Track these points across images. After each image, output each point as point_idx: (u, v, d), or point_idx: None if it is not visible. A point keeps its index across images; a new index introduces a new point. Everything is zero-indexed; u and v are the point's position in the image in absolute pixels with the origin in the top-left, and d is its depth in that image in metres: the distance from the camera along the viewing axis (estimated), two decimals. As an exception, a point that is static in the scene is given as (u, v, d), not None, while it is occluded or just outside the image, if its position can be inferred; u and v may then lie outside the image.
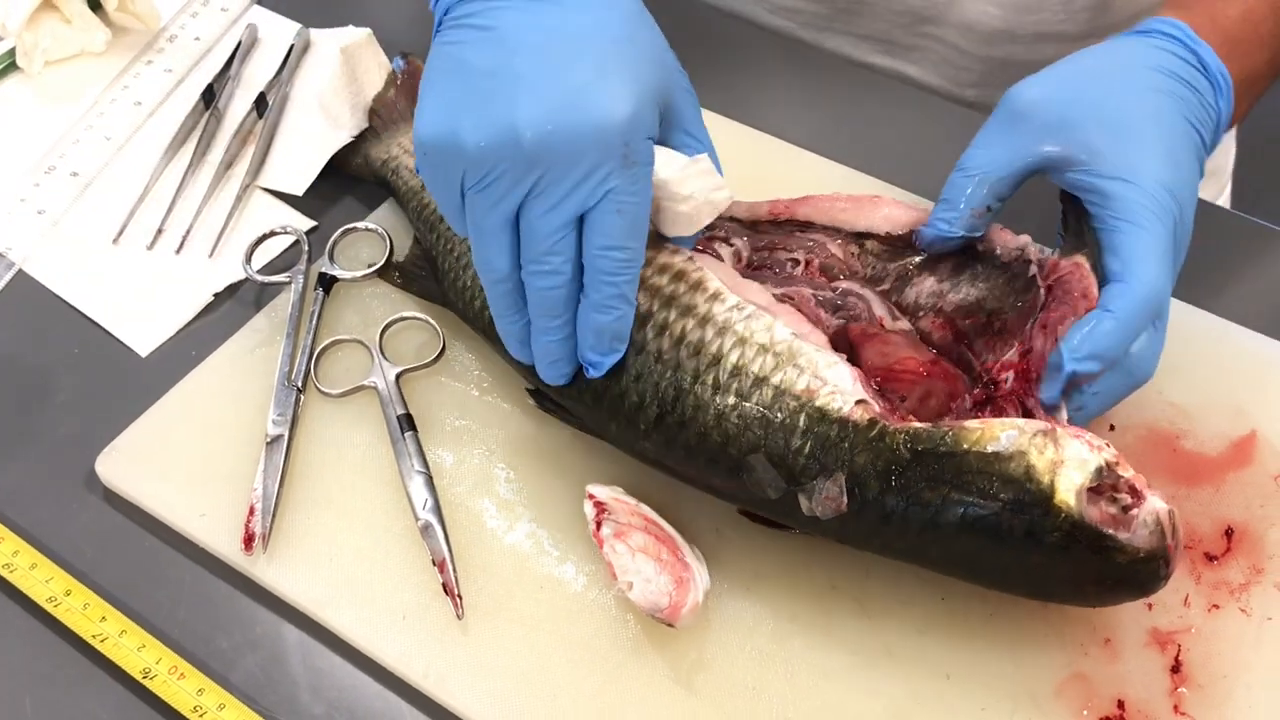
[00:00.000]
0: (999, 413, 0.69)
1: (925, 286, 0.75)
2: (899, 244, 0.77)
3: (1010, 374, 0.70)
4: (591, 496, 0.72)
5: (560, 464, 0.77)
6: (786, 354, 0.68)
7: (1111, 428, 0.75)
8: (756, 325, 0.69)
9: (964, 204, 0.73)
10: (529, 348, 0.71)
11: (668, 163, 0.68)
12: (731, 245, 0.78)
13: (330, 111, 0.95)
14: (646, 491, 0.73)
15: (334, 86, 0.96)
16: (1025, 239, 0.73)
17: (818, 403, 0.66)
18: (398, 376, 0.80)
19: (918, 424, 0.65)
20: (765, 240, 0.79)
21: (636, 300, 0.70)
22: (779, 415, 0.66)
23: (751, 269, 0.78)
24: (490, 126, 0.64)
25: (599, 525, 0.70)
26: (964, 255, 0.75)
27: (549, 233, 0.65)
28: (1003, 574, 0.66)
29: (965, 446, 0.64)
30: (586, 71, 0.64)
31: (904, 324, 0.74)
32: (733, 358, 0.68)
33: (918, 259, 0.76)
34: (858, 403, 0.66)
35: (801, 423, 0.66)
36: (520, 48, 0.65)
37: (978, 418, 0.66)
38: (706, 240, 0.78)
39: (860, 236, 0.78)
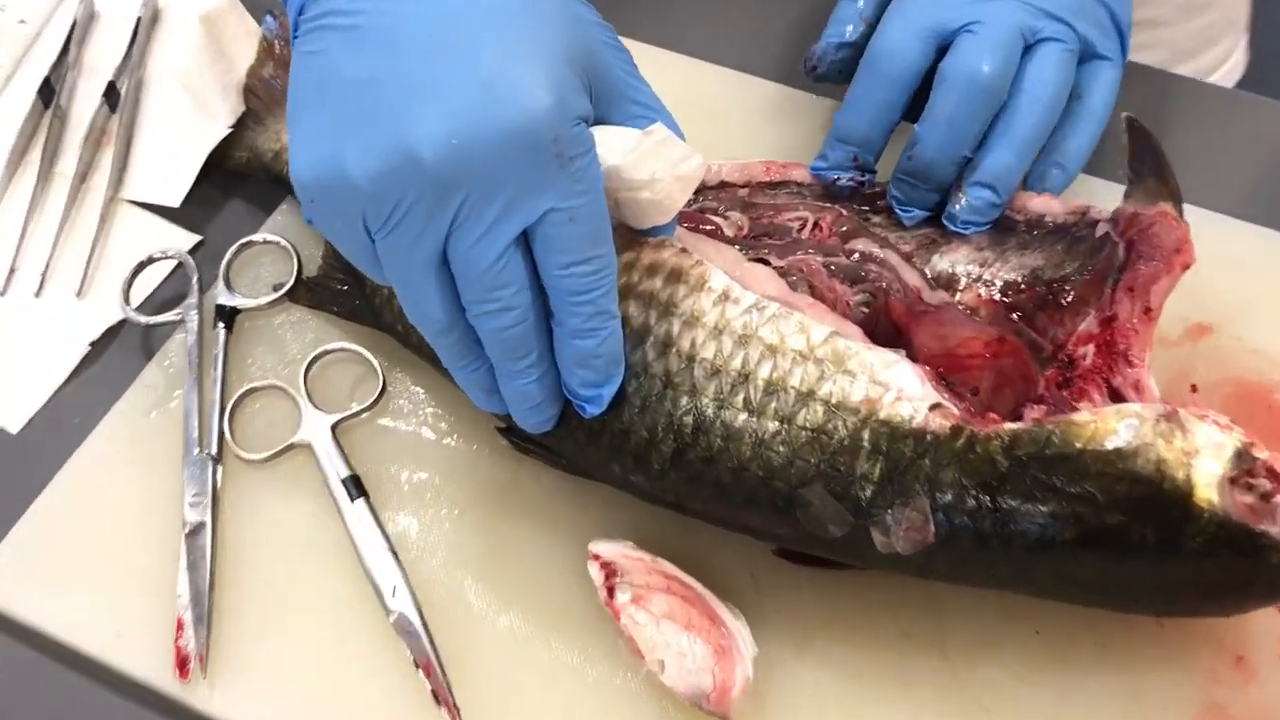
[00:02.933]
0: (1080, 395, 0.58)
1: (960, 254, 0.63)
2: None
3: (1090, 348, 0.58)
4: (596, 557, 0.59)
5: (549, 516, 0.63)
6: (832, 358, 0.55)
7: (1194, 388, 0.64)
8: (786, 327, 0.56)
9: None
10: (499, 396, 0.57)
11: (614, 144, 0.54)
12: (728, 218, 0.65)
13: (198, 97, 0.79)
14: (660, 540, 0.60)
15: (197, 65, 0.80)
16: (1085, 203, 0.62)
17: (882, 415, 0.54)
18: (333, 427, 0.66)
19: (1012, 425, 0.53)
20: (764, 210, 0.66)
21: (627, 313, 0.57)
22: (835, 436, 0.54)
23: (752, 238, 0.65)
24: (381, 151, 0.50)
25: (611, 592, 0.58)
26: (1003, 223, 0.64)
27: (488, 265, 0.51)
28: (1128, 591, 0.55)
29: (1078, 446, 0.52)
30: (487, 61, 0.50)
31: (943, 295, 0.62)
32: (763, 371, 0.55)
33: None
34: (932, 408, 0.54)
35: (866, 442, 0.54)
36: (400, 45, 0.51)
37: (1074, 408, 0.55)
38: (698, 215, 0.65)
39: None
